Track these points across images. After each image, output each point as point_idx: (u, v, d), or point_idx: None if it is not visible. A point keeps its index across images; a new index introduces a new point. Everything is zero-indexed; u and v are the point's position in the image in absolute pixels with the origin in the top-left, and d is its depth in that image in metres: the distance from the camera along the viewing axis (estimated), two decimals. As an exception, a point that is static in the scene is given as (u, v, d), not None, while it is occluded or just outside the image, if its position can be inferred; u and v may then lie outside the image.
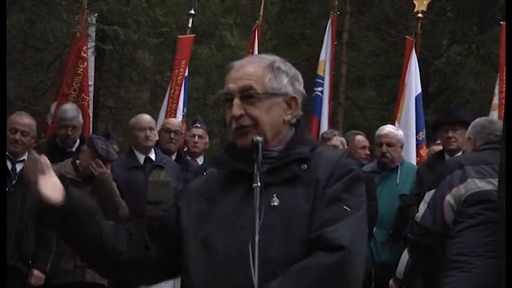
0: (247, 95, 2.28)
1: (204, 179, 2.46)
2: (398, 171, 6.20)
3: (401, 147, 6.42)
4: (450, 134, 5.75)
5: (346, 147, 6.12)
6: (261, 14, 9.64)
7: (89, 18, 7.84)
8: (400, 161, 6.33)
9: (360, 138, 6.78)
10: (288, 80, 2.34)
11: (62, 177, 5.55)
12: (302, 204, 2.22)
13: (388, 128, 6.40)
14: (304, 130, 2.42)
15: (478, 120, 4.54)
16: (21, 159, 5.27)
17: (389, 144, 6.21)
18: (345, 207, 2.21)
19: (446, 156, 5.77)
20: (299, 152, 2.30)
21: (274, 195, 2.22)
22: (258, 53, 8.58)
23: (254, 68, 2.31)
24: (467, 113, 6.27)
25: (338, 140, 5.94)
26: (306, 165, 2.26)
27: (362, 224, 2.24)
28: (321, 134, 6.37)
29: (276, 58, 2.38)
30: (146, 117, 6.28)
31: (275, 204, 2.21)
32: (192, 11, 9.54)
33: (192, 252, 2.26)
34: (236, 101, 2.27)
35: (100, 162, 5.41)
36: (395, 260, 5.53)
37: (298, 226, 2.20)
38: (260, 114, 2.28)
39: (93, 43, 8.05)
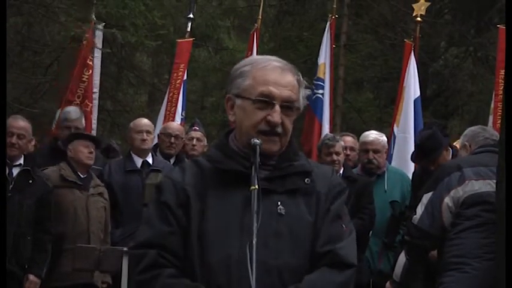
0: (289, 106, 2.29)
1: (190, 173, 2.33)
2: (385, 177, 6.15)
3: (386, 152, 6.39)
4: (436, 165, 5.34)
5: (345, 151, 6.10)
6: (260, 17, 9.65)
7: (97, 27, 7.94)
8: (385, 166, 6.30)
9: (346, 139, 6.65)
10: (302, 93, 2.37)
11: (64, 180, 5.61)
12: (306, 215, 2.27)
13: (373, 135, 6.32)
14: (294, 140, 2.44)
15: (470, 128, 4.58)
16: (18, 163, 5.25)
17: (375, 151, 6.18)
18: (343, 225, 2.31)
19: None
20: (302, 165, 2.34)
21: (279, 203, 2.24)
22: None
23: (293, 79, 2.32)
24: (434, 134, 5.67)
25: (340, 146, 5.90)
26: (309, 180, 2.31)
27: (355, 242, 2.35)
28: (322, 138, 6.30)
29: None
30: (145, 121, 6.32)
31: (282, 212, 2.24)
32: (191, 15, 9.56)
33: (193, 250, 2.23)
34: (277, 108, 2.26)
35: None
36: (391, 268, 5.51)
37: (303, 236, 2.25)
38: (290, 126, 2.31)
39: (100, 51, 8.15)
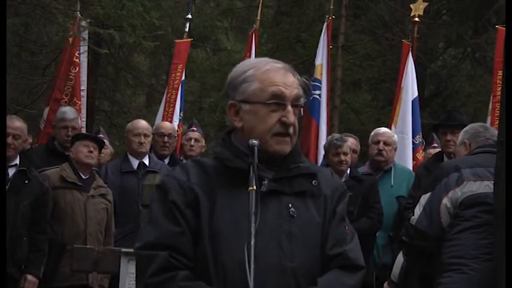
0: (297, 105, 2.29)
1: (194, 172, 2.30)
2: (392, 172, 6.22)
3: (395, 150, 6.48)
4: (449, 137, 5.75)
5: None
6: (258, 18, 9.63)
7: (82, 23, 7.89)
8: (393, 163, 6.38)
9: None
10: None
11: (63, 181, 5.60)
12: (315, 216, 2.28)
13: (385, 129, 6.59)
14: (298, 141, 2.44)
15: (471, 125, 4.56)
16: (13, 163, 5.24)
17: (386, 143, 6.27)
18: (346, 227, 2.34)
19: (445, 159, 5.76)
20: (308, 167, 2.34)
21: (290, 205, 2.25)
22: (255, 56, 8.56)
23: (295, 78, 2.32)
24: (465, 116, 6.26)
25: (348, 146, 5.92)
26: (316, 182, 2.31)
27: (359, 244, 2.37)
28: (329, 138, 6.30)
29: None
30: (143, 124, 6.29)
31: (293, 214, 2.24)
32: (189, 16, 9.56)
33: (205, 248, 2.20)
34: (290, 108, 2.26)
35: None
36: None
37: (314, 238, 2.26)
38: (297, 127, 2.31)
39: (86, 48, 8.11)
